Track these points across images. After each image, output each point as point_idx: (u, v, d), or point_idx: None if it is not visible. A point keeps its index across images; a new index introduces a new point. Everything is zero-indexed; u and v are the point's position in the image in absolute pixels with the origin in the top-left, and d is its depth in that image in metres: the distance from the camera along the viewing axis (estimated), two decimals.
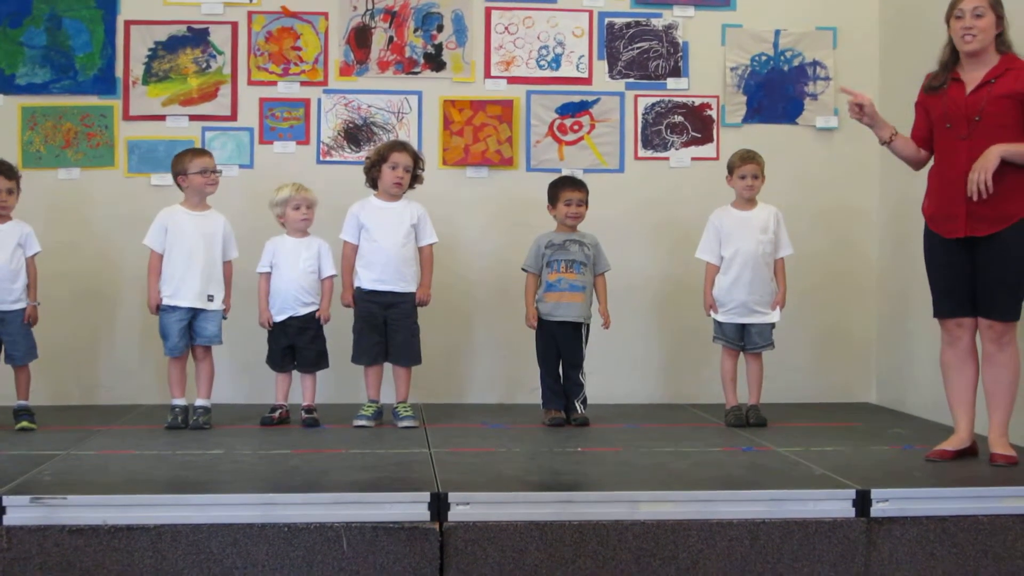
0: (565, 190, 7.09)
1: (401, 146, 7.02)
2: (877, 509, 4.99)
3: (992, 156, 5.47)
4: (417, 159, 7.02)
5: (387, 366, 7.00)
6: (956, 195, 5.62)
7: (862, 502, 5.00)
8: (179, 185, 6.90)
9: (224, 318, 6.90)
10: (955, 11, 5.68)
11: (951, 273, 5.74)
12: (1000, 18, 5.63)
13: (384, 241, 6.87)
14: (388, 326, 6.89)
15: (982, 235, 5.58)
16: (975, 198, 5.50)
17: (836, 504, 5.02)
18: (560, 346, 7.03)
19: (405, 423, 6.82)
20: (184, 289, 6.76)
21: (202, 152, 6.98)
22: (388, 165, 6.90)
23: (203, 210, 6.91)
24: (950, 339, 5.81)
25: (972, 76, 5.67)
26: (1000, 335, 5.62)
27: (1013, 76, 5.57)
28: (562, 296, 6.99)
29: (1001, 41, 5.66)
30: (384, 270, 6.85)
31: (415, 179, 7.01)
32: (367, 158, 7.11)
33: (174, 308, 6.76)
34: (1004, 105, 5.54)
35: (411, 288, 6.92)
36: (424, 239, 7.00)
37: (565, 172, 7.74)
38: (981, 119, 5.56)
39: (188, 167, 6.83)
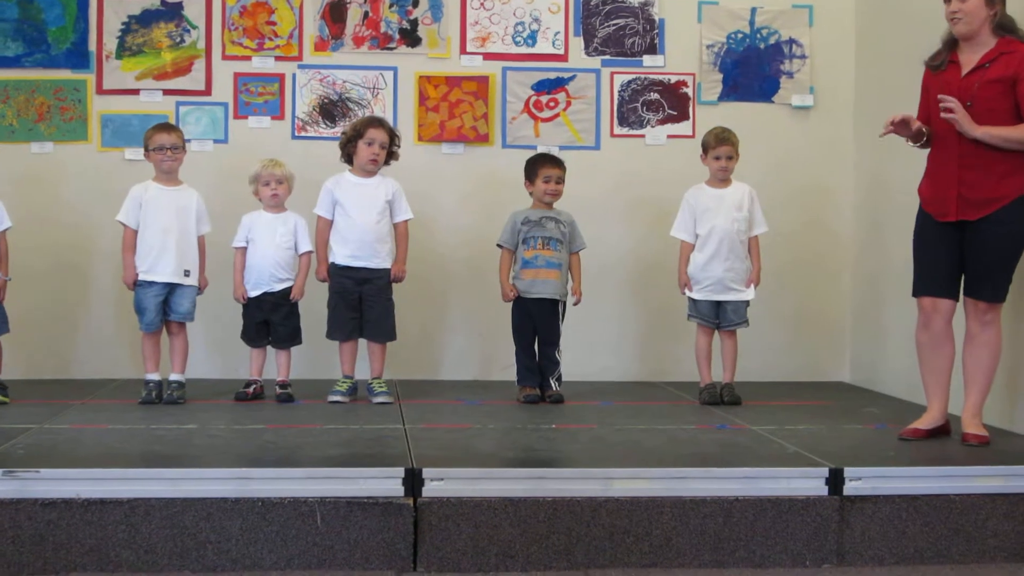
0: (544, 167, 7.08)
1: (378, 122, 7.00)
2: (850, 487, 5.02)
3: (977, 130, 5.45)
4: (393, 136, 7.00)
5: (362, 342, 7.00)
6: (948, 178, 5.63)
7: (835, 480, 5.03)
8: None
9: (200, 293, 6.89)
10: None
11: (938, 254, 5.74)
12: (990, 1, 5.57)
13: (358, 217, 6.85)
14: (363, 302, 6.87)
15: (973, 219, 5.58)
16: (942, 115, 5.47)
17: (809, 482, 5.05)
18: (536, 323, 7.03)
19: (380, 399, 6.82)
20: (160, 265, 6.74)
21: (163, 128, 6.90)
22: (364, 141, 6.87)
23: (175, 185, 6.88)
24: (925, 320, 5.81)
25: (968, 59, 5.65)
26: (984, 314, 5.64)
27: (1005, 61, 5.53)
28: (539, 273, 6.99)
29: (998, 24, 5.59)
30: (359, 246, 6.83)
31: (391, 156, 6.99)
32: (343, 133, 7.08)
33: (151, 283, 6.74)
34: (995, 90, 5.51)
35: (386, 264, 6.91)
36: (399, 215, 6.98)
37: (541, 149, 7.72)
38: (972, 104, 5.53)
39: (147, 143, 6.84)
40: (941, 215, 5.69)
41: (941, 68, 5.73)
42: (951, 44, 5.73)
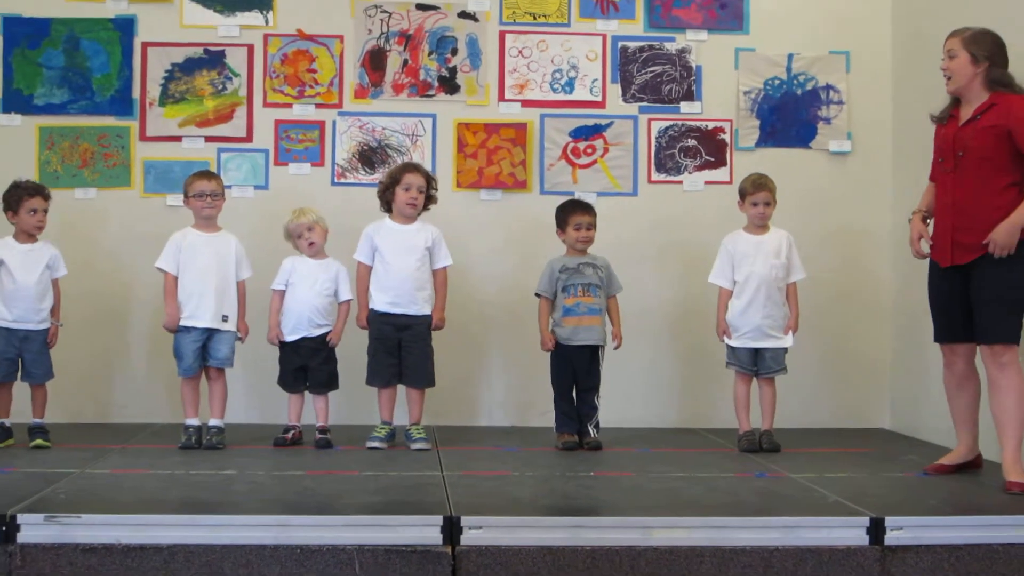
0: (574, 214, 7.09)
1: (413, 167, 7.05)
2: (891, 537, 4.98)
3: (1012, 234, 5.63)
4: (430, 179, 7.04)
5: (401, 388, 7.01)
6: (944, 226, 5.88)
7: (876, 530, 4.99)
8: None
9: (240, 340, 6.94)
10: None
11: (944, 299, 5.96)
12: (976, 57, 5.76)
13: (397, 263, 6.88)
14: (402, 348, 6.89)
15: (964, 263, 5.76)
16: (997, 255, 5.65)
17: (850, 531, 5.01)
18: (577, 369, 7.01)
19: (418, 445, 6.82)
20: (200, 310, 6.80)
21: (202, 175, 7.00)
22: (401, 187, 6.91)
23: (214, 231, 6.95)
24: (947, 362, 6.05)
25: (965, 112, 5.87)
26: (1000, 357, 5.70)
27: (997, 111, 5.71)
28: (581, 320, 6.98)
29: (992, 80, 5.77)
30: (398, 293, 6.86)
31: (429, 199, 7.03)
32: (380, 182, 7.13)
33: (189, 329, 6.79)
34: (986, 138, 5.70)
35: (425, 311, 6.92)
36: (439, 262, 7.00)
37: (579, 195, 7.71)
38: (965, 154, 5.75)
39: (187, 190, 6.93)
40: (942, 260, 5.90)
41: (942, 121, 5.97)
42: (956, 100, 5.93)
